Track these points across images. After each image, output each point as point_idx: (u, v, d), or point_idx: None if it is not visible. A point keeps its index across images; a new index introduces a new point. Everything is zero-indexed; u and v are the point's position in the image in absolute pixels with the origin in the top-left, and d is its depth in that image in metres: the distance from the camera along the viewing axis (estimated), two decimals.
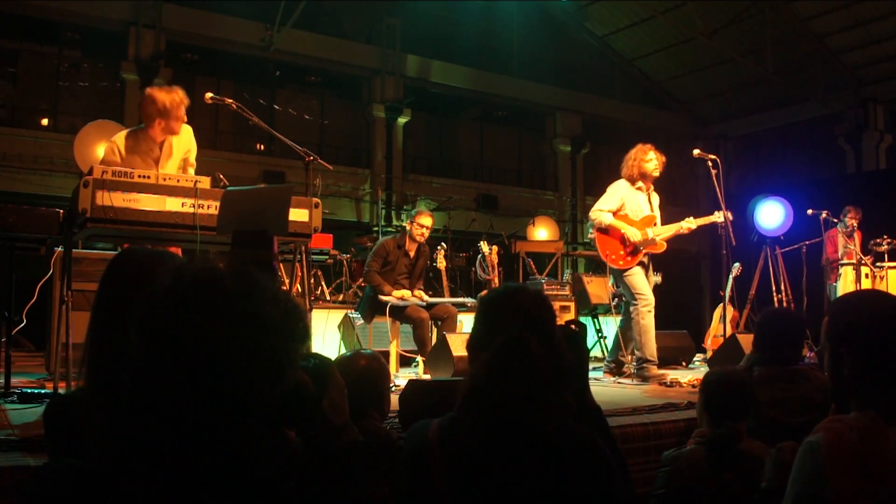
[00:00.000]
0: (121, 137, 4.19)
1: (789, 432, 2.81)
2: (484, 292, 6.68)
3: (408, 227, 6.06)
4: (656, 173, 5.60)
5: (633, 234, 5.42)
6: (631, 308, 5.45)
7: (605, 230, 5.54)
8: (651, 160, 5.55)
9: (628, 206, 5.56)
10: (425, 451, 1.63)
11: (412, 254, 6.07)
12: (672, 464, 2.56)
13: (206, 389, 0.95)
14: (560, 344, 1.84)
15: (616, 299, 7.37)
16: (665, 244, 5.53)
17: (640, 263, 5.48)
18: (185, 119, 4.22)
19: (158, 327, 0.97)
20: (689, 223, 5.59)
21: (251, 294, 1.01)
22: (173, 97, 4.09)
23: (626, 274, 5.45)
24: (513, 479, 1.55)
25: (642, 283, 5.42)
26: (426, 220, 6.02)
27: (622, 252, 5.46)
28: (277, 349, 1.00)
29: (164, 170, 4.16)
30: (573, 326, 1.98)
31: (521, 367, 1.59)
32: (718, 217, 5.62)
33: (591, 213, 5.64)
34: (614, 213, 5.53)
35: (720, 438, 2.55)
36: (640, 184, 5.60)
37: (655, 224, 5.57)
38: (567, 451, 1.58)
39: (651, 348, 5.30)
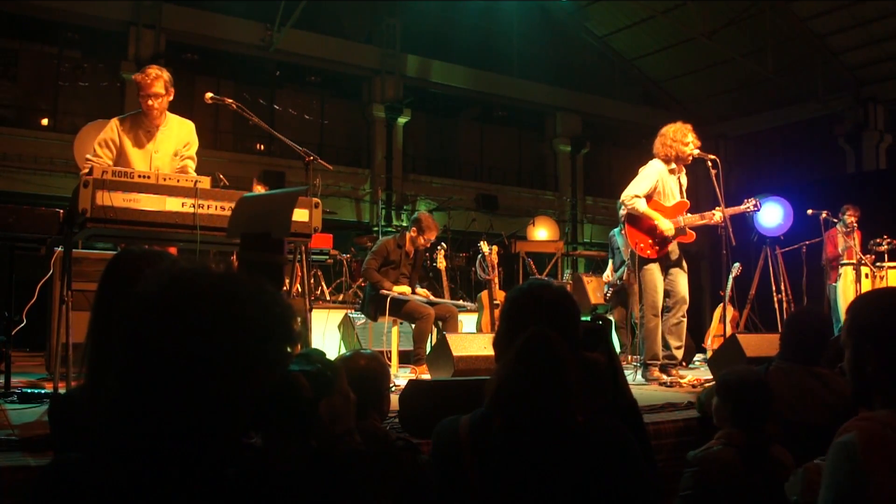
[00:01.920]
0: (120, 119, 4.41)
1: (795, 429, 2.82)
2: (496, 291, 6.73)
3: (412, 234, 5.96)
4: (690, 159, 5.28)
5: (667, 228, 5.14)
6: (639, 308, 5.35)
7: (636, 217, 5.23)
8: (689, 143, 5.19)
9: (662, 189, 5.25)
10: (457, 447, 1.66)
11: (411, 254, 6.08)
12: (700, 465, 2.54)
13: (181, 390, 0.95)
14: (586, 340, 1.85)
15: (610, 290, 7.34)
16: (694, 234, 5.28)
17: (674, 263, 5.27)
18: (166, 93, 4.34)
19: (135, 329, 0.98)
20: (721, 211, 5.23)
21: (229, 295, 1.00)
22: (144, 74, 4.29)
23: (645, 267, 5.21)
24: (543, 473, 1.58)
25: (653, 285, 5.22)
26: (433, 236, 6.06)
27: (650, 241, 5.20)
28: (252, 350, 0.99)
29: (158, 153, 4.32)
30: (598, 322, 1.98)
31: (545, 363, 1.62)
32: (748, 205, 5.37)
33: (624, 199, 5.24)
34: (648, 198, 5.24)
35: (755, 442, 2.53)
36: (672, 165, 5.29)
37: (687, 212, 5.28)
38: (595, 444, 1.61)
39: (652, 350, 5.28)
